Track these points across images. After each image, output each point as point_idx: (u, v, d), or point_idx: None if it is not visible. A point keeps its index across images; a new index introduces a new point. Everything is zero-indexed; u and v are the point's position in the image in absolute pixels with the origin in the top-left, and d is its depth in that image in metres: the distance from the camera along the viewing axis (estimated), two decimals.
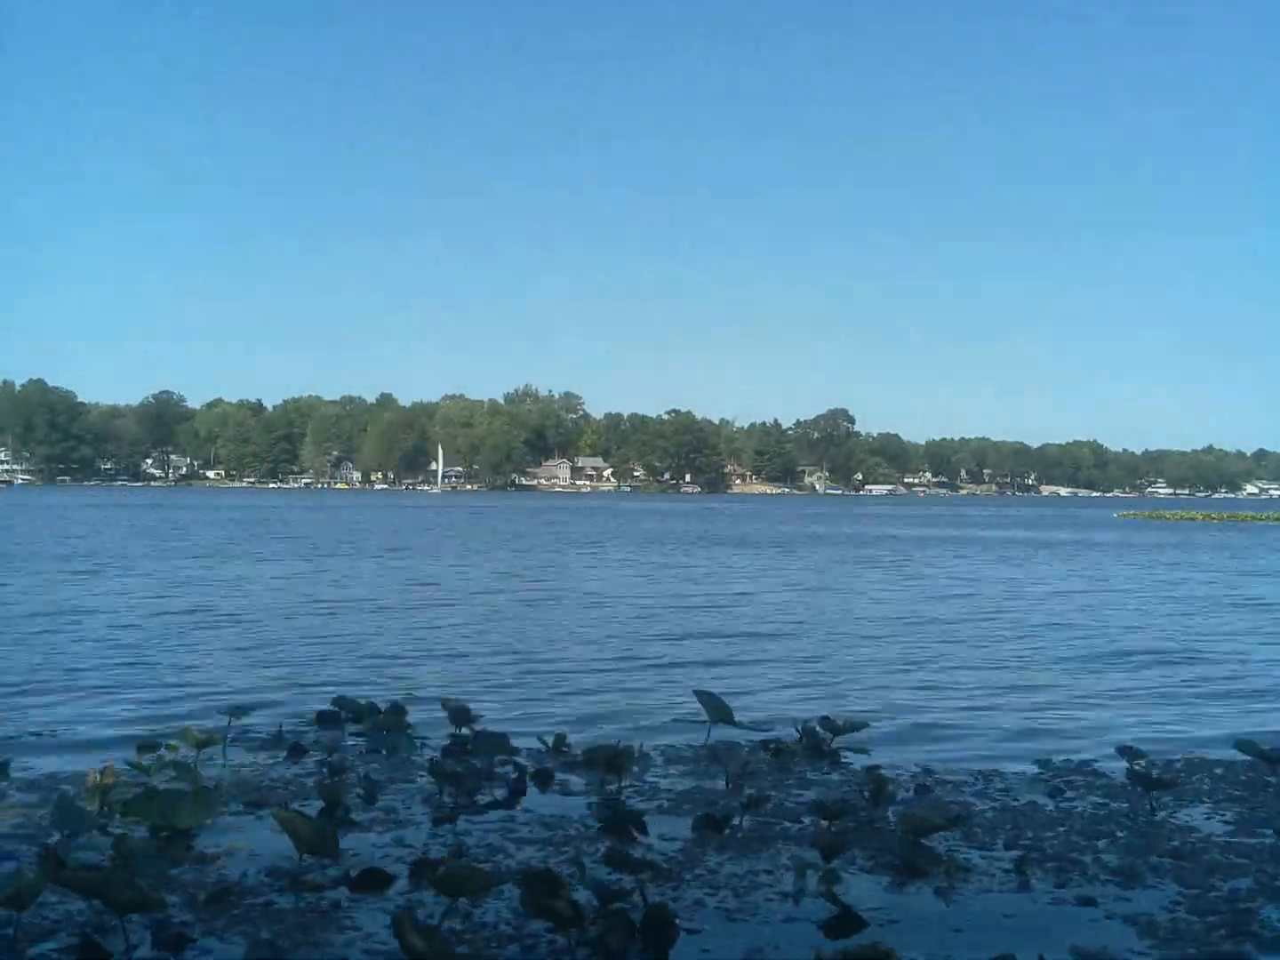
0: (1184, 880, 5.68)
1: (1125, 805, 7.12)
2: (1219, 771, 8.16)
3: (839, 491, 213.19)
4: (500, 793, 7.27)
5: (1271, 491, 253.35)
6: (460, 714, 8.85)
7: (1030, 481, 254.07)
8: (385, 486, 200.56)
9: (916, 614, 19.88)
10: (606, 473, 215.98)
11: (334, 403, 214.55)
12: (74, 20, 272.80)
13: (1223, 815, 6.98)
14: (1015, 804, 7.19)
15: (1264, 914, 5.22)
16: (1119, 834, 6.50)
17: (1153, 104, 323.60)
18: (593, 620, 18.11)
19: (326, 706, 9.41)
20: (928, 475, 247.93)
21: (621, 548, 39.98)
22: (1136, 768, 7.63)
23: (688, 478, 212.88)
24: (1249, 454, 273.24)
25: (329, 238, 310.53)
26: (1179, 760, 8.54)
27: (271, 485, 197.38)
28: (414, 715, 9.23)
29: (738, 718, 8.77)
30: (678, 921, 4.76)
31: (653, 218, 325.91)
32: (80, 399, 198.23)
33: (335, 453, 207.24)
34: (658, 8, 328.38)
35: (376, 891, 5.32)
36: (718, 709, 8.66)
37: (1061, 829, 6.58)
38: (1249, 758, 8.05)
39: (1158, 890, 5.55)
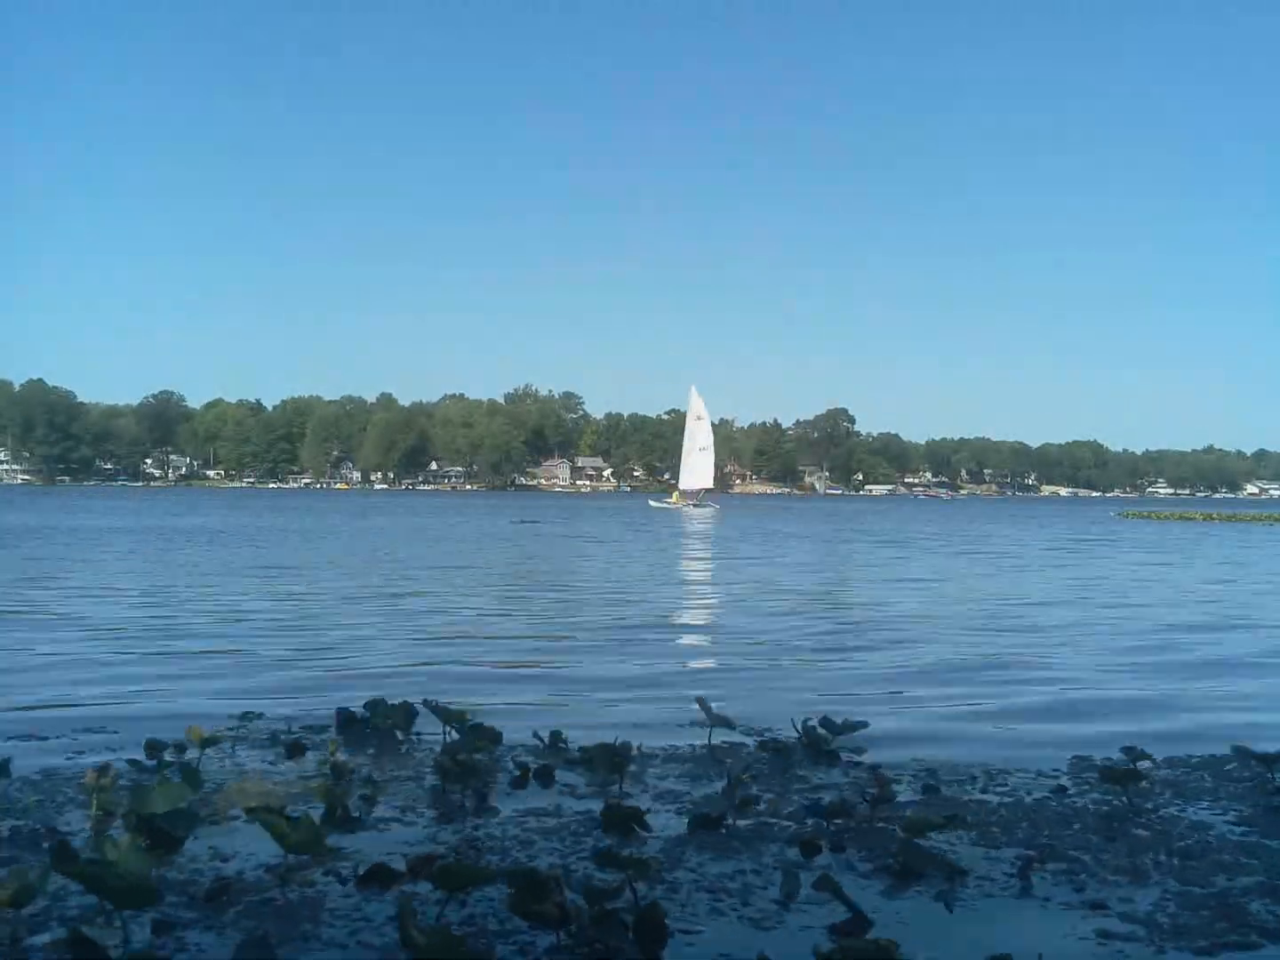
0: (1185, 879, 5.71)
1: (1129, 804, 7.12)
2: (1223, 771, 8.15)
3: (839, 491, 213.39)
4: (501, 790, 7.29)
5: (1271, 491, 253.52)
6: (461, 713, 8.83)
7: (1030, 481, 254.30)
8: (385, 486, 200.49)
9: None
10: (606, 473, 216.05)
11: (334, 403, 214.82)
12: (75, 16, 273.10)
13: (1225, 816, 6.98)
14: (1021, 803, 7.20)
15: (1256, 908, 5.26)
16: (1120, 833, 6.51)
17: (1151, 102, 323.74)
18: None
19: (332, 707, 9.39)
20: (928, 475, 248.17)
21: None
22: (1142, 767, 7.65)
23: None
24: (1249, 454, 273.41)
25: (329, 237, 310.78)
26: (1186, 760, 8.54)
27: (271, 485, 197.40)
28: (417, 714, 9.20)
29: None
30: (671, 922, 4.75)
31: (653, 217, 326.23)
32: (80, 399, 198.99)
33: (335, 453, 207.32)
34: (657, 10, 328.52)
35: (374, 888, 5.32)
36: (717, 715, 8.73)
37: (1064, 829, 6.59)
38: (1249, 759, 8.04)
39: (1157, 888, 5.56)
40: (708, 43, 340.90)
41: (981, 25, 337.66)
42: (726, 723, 8.82)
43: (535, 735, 8.59)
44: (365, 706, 9.27)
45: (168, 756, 7.84)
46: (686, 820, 6.48)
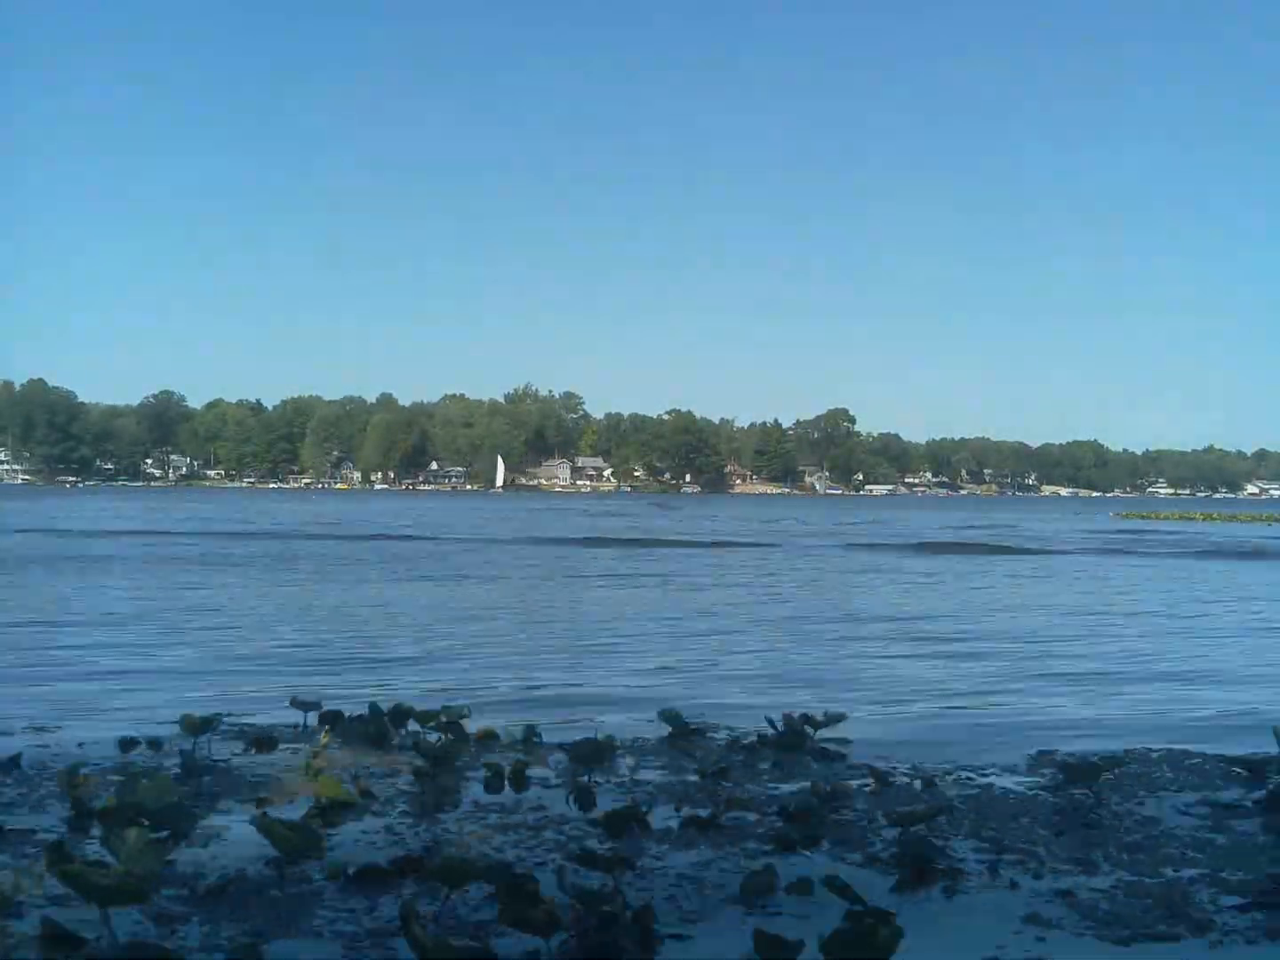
0: (1137, 870, 5.84)
1: (1091, 798, 7.23)
2: (1188, 766, 8.29)
3: (839, 491, 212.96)
4: (480, 788, 7.39)
5: (1272, 491, 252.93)
6: (448, 711, 8.93)
7: (1030, 481, 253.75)
8: (385, 487, 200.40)
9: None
10: (606, 473, 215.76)
11: (334, 403, 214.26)
12: (74, 18, 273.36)
13: (1185, 809, 7.12)
14: (986, 797, 7.33)
15: (1199, 898, 5.40)
16: (1081, 826, 6.64)
17: (1152, 105, 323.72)
18: None
19: (317, 705, 9.47)
20: (928, 475, 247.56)
21: None
22: (1104, 762, 7.77)
23: (688, 478, 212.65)
24: (1249, 454, 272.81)
25: (328, 237, 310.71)
26: (1152, 755, 8.65)
27: (272, 485, 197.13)
28: (401, 713, 9.29)
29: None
30: (658, 923, 4.84)
31: (653, 217, 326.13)
32: (80, 399, 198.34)
33: (335, 453, 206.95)
34: (665, 11, 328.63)
35: (362, 887, 5.42)
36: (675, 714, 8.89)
37: (1025, 820, 6.72)
38: (1216, 757, 8.17)
39: (1108, 878, 5.69)
40: (711, 45, 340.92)
41: (990, 29, 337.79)
42: (694, 722, 9.00)
43: (525, 729, 8.68)
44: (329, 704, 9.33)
45: (154, 752, 7.92)
46: (666, 818, 6.57)
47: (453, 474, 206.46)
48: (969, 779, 7.80)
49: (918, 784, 7.57)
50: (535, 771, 7.73)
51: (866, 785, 7.31)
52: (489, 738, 8.68)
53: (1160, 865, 5.95)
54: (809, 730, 8.61)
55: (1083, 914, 5.24)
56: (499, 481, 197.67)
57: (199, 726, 8.17)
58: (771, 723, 8.79)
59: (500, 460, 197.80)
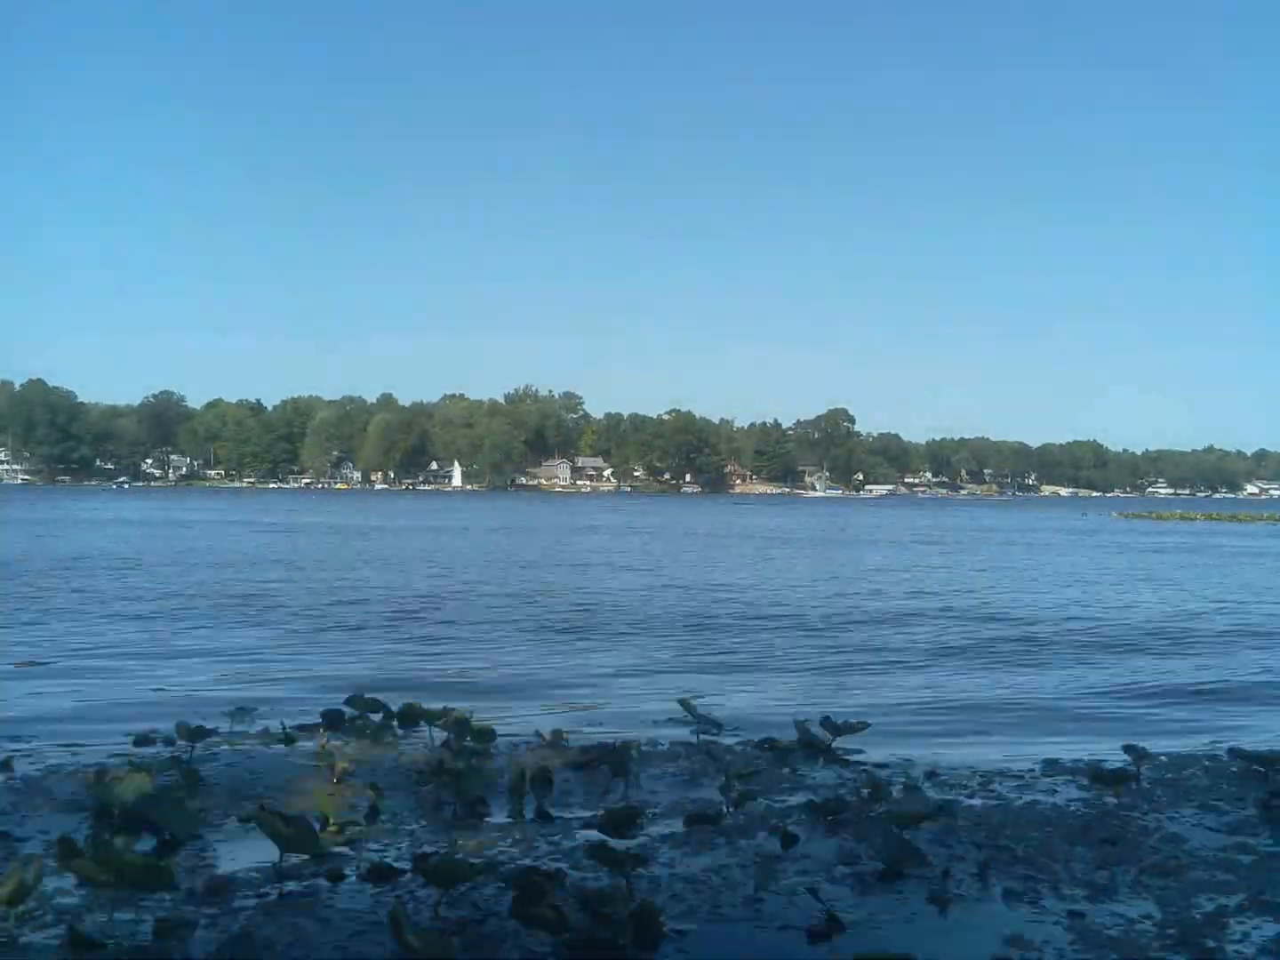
0: (1158, 890, 5.59)
1: (1118, 806, 7.14)
2: (1217, 773, 8.19)
3: (839, 492, 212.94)
4: (497, 790, 7.30)
5: (1271, 491, 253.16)
6: (459, 712, 8.88)
7: (1030, 481, 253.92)
8: (385, 487, 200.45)
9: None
10: (606, 473, 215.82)
11: (334, 403, 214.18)
12: (73, 16, 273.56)
13: (1212, 821, 6.98)
14: (1005, 805, 7.21)
15: (1233, 924, 5.15)
16: (1102, 840, 6.45)
17: (1150, 102, 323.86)
18: None
19: (328, 704, 9.42)
20: (928, 475, 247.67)
21: None
22: (1138, 769, 7.68)
23: (688, 478, 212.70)
24: (1249, 454, 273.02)
25: (329, 237, 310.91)
26: (1180, 760, 8.57)
27: (272, 485, 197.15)
28: (414, 714, 9.25)
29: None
30: (666, 922, 4.78)
31: (652, 216, 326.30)
32: (80, 399, 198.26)
33: (335, 453, 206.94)
34: (672, 12, 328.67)
35: (368, 886, 5.35)
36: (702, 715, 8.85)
37: (1042, 833, 6.54)
38: (1246, 762, 8.09)
39: (1129, 899, 5.48)
40: (714, 58, 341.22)
41: (989, 39, 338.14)
42: (714, 723, 8.94)
43: (537, 733, 8.62)
44: (349, 703, 9.28)
45: (163, 752, 7.87)
46: (681, 821, 6.50)
47: (452, 474, 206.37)
48: (992, 785, 7.71)
49: (935, 790, 7.48)
50: (556, 773, 7.65)
51: (881, 790, 7.23)
52: (493, 738, 8.62)
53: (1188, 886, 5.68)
54: (829, 736, 8.54)
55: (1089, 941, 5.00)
56: (456, 480, 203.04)
57: (205, 729, 8.11)
58: (797, 727, 8.75)
59: (457, 464, 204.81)
